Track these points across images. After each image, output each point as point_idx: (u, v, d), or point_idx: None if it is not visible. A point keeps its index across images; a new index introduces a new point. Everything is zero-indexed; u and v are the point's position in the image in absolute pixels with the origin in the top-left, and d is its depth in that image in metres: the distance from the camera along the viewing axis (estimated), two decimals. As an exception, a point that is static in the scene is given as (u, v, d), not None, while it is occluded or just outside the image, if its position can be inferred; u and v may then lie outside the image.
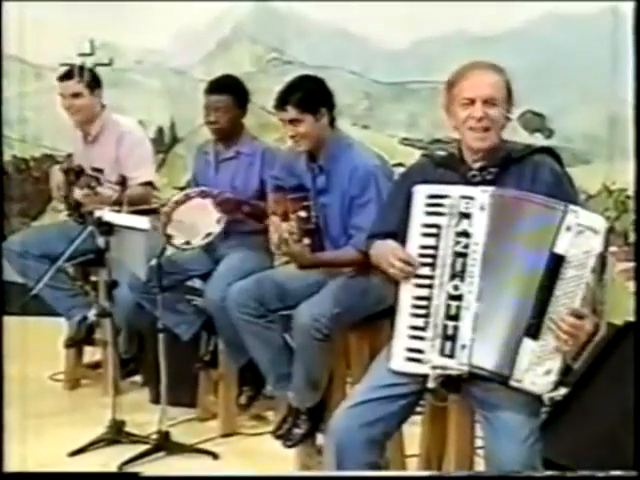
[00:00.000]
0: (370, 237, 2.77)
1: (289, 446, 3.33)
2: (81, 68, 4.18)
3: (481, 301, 2.39)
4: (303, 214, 3.22)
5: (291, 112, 3.24)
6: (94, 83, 4.27)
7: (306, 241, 3.17)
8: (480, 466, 2.67)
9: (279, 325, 3.38)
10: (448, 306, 2.42)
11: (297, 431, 3.31)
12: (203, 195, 3.71)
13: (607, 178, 4.84)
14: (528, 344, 2.35)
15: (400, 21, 4.89)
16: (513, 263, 2.38)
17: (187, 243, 3.69)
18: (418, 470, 2.90)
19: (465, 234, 2.41)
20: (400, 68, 5.10)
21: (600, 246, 2.33)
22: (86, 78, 4.18)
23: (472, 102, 2.51)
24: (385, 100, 5.18)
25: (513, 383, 2.36)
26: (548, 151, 2.61)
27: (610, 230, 2.38)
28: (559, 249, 2.33)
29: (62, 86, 4.24)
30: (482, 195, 2.42)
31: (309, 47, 5.22)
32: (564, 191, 2.49)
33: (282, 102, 3.27)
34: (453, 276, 2.42)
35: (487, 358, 2.38)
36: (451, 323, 2.41)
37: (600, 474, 2.20)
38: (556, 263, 2.33)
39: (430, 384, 2.43)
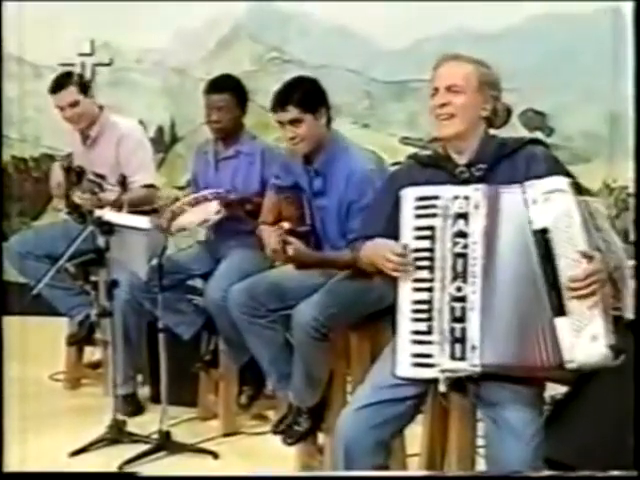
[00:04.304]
0: (353, 240, 2.74)
1: (290, 443, 3.32)
2: (69, 74, 4.16)
3: (487, 300, 2.33)
4: (297, 214, 3.21)
5: (292, 112, 3.18)
6: (85, 86, 4.23)
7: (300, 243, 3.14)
8: (481, 466, 2.66)
9: (281, 324, 3.37)
10: (453, 308, 2.36)
11: (297, 428, 3.30)
12: (214, 198, 3.70)
13: (608, 176, 4.84)
14: (561, 322, 2.28)
15: (400, 20, 4.89)
16: (511, 257, 2.34)
17: (182, 230, 3.69)
18: (419, 470, 2.89)
19: (462, 234, 2.37)
20: (400, 67, 5.10)
21: (574, 200, 2.30)
22: (76, 83, 4.14)
23: (437, 91, 2.55)
24: (385, 99, 5.18)
25: (570, 366, 2.26)
26: (537, 142, 2.59)
27: (576, 183, 2.35)
28: (537, 224, 2.31)
29: (57, 98, 4.17)
30: (475, 193, 2.38)
31: (309, 46, 5.22)
32: (561, 175, 2.44)
33: (282, 102, 3.20)
34: (455, 278, 2.36)
35: (501, 354, 2.31)
36: (458, 325, 2.35)
37: (600, 474, 2.18)
38: (542, 237, 2.31)
39: (441, 387, 2.38)
